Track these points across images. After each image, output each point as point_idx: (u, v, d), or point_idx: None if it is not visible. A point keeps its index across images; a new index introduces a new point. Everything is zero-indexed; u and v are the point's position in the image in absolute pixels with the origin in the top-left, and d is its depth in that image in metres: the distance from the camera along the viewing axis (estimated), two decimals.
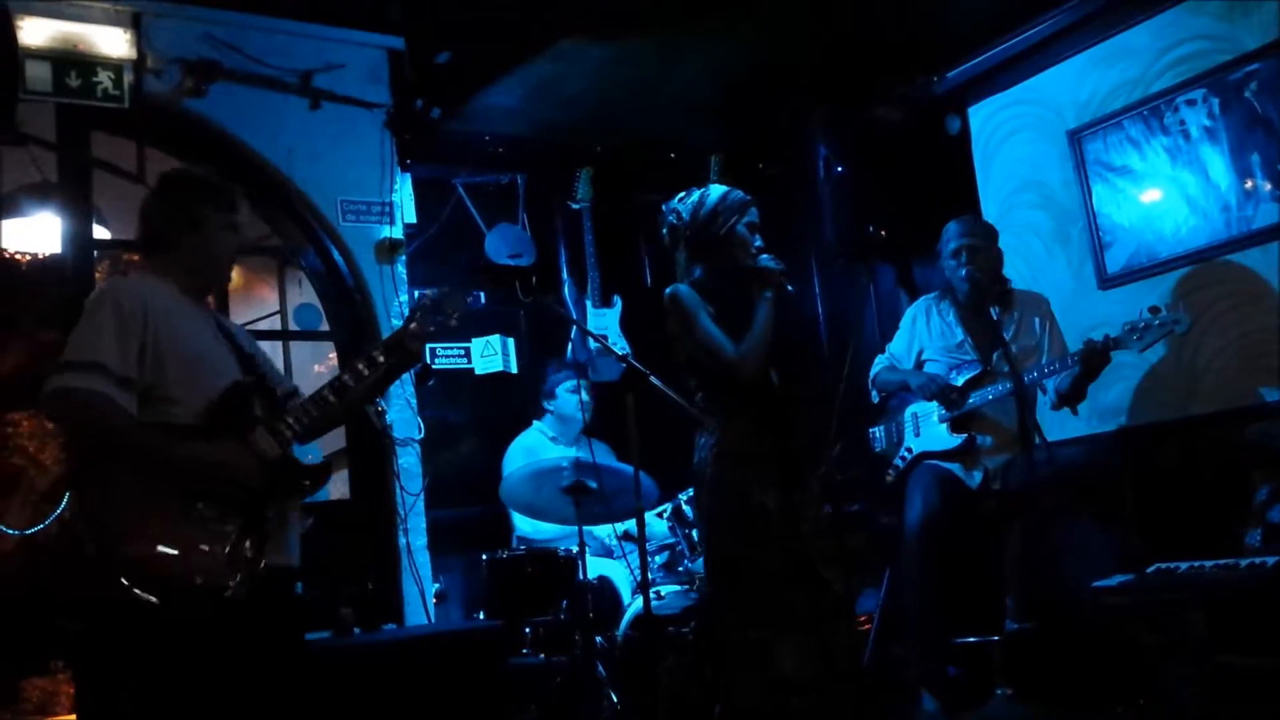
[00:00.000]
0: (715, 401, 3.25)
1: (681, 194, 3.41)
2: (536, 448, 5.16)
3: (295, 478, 2.89)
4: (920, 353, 4.43)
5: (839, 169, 5.32)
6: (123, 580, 2.54)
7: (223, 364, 2.89)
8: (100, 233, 4.93)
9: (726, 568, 3.20)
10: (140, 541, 2.58)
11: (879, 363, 4.60)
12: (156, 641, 2.59)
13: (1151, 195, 4.54)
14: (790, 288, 3.30)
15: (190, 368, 2.81)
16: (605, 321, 5.78)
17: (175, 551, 2.60)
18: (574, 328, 5.74)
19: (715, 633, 3.25)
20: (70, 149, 4.47)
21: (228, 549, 2.67)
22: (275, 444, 2.83)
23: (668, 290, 3.29)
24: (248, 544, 2.71)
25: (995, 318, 4.21)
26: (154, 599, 2.55)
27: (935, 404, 4.24)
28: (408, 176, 5.20)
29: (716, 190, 3.37)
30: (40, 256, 5.39)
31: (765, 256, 3.31)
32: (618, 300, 5.85)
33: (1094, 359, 3.92)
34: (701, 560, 4.48)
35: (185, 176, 3.07)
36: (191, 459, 2.70)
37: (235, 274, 6.04)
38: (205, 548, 2.64)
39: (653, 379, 3.25)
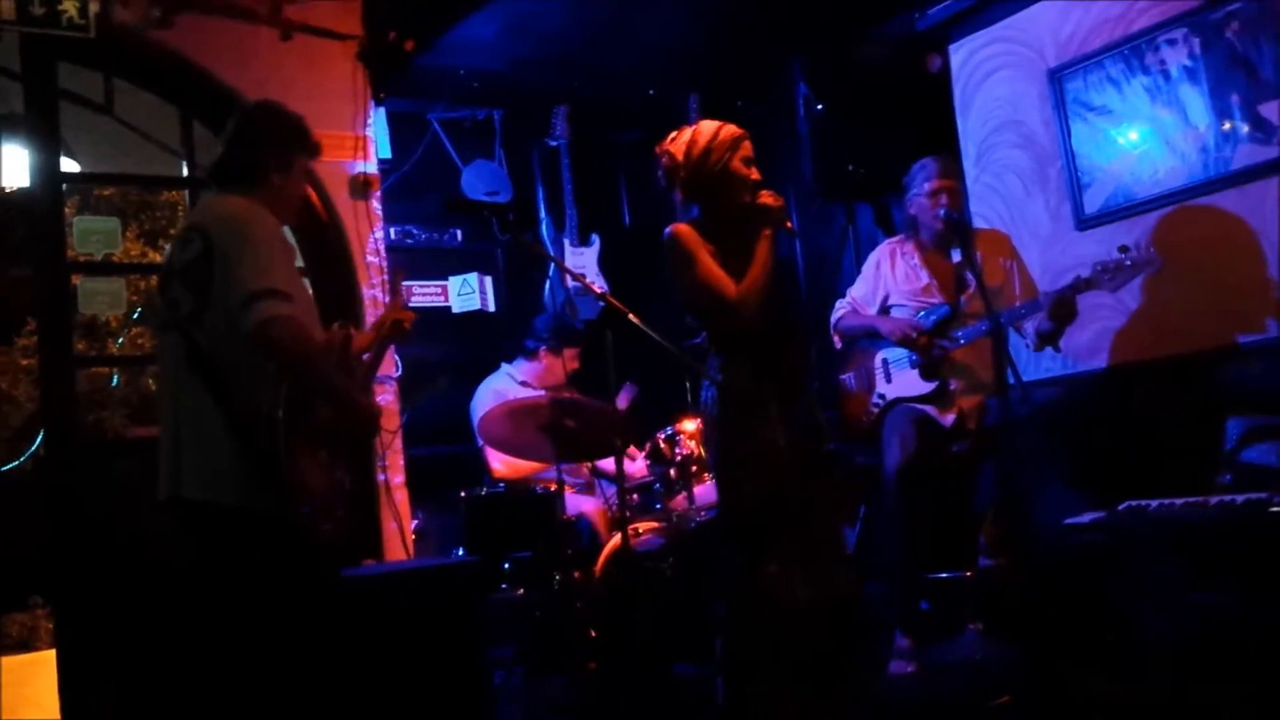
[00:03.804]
0: (718, 341, 3.23)
1: (673, 134, 3.33)
2: (505, 391, 5.13)
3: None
4: (886, 298, 4.41)
5: (819, 107, 5.27)
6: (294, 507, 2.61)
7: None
8: (69, 165, 4.84)
9: (740, 503, 3.19)
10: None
11: (839, 308, 4.58)
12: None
13: (1130, 135, 4.53)
14: (790, 224, 3.26)
15: (308, 311, 2.79)
16: (583, 260, 5.76)
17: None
18: (552, 266, 5.71)
19: (727, 567, 3.23)
20: (36, 79, 4.37)
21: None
22: None
23: (667, 230, 3.22)
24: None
25: (959, 259, 4.22)
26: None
27: (906, 349, 4.25)
28: (382, 110, 5.11)
29: (708, 127, 3.26)
30: (8, 190, 5.30)
31: (764, 192, 3.25)
32: (595, 238, 5.82)
33: (1059, 310, 3.93)
34: (679, 497, 4.53)
35: (284, 114, 2.97)
36: (349, 393, 2.79)
37: None
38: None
39: (631, 316, 3.23)
